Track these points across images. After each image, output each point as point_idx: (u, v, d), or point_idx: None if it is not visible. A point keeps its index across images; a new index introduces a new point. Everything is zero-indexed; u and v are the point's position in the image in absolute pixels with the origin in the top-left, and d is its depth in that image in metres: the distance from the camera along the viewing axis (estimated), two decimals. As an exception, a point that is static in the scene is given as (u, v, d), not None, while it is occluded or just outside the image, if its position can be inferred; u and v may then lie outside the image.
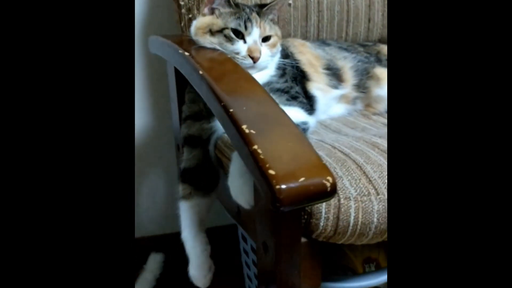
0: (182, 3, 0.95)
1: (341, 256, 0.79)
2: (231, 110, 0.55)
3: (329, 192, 0.47)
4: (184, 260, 0.74)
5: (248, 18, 0.74)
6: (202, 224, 0.74)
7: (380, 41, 1.13)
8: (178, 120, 0.94)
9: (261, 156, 0.48)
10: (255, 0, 0.95)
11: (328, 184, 0.46)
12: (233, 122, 0.54)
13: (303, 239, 0.57)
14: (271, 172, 0.46)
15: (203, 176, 0.77)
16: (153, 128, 1.24)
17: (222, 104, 0.57)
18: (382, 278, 0.64)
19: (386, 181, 0.57)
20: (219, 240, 0.86)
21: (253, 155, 0.49)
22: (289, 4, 1.00)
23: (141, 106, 1.20)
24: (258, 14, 0.77)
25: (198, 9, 0.94)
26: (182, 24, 0.97)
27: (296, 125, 0.54)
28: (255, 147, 0.49)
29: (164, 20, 1.12)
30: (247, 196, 0.58)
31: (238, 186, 0.59)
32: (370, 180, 0.57)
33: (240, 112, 0.55)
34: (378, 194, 0.56)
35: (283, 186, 0.45)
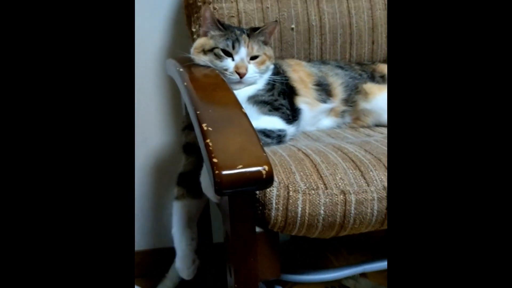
0: (194, 29, 1.07)
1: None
2: (198, 112, 0.64)
3: (265, 180, 0.53)
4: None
5: (237, 39, 0.83)
6: (190, 221, 0.82)
7: (385, 62, 1.18)
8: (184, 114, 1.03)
9: (210, 148, 0.56)
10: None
11: (264, 172, 0.53)
12: (198, 122, 0.62)
13: (260, 229, 0.63)
14: (215, 160, 0.54)
15: (195, 180, 0.85)
16: (174, 146, 1.35)
17: (194, 108, 0.66)
18: (344, 272, 0.67)
19: (338, 178, 0.62)
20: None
21: (206, 147, 0.57)
22: (292, 29, 1.08)
23: (161, 125, 1.31)
24: (249, 35, 0.86)
25: (206, 35, 1.05)
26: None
27: (252, 126, 0.61)
28: (208, 140, 0.57)
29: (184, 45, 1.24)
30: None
31: (207, 181, 0.67)
32: (321, 176, 0.62)
33: (205, 114, 0.64)
34: (326, 188, 0.61)
35: (223, 172, 0.52)
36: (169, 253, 1.41)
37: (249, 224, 0.60)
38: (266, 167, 0.53)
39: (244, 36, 0.85)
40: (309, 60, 1.11)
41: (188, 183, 0.85)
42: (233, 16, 1.03)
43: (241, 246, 0.61)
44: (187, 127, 0.89)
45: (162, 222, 1.43)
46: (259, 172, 0.53)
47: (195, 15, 1.05)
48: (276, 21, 0.98)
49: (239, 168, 0.53)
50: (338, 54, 1.13)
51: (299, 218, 0.60)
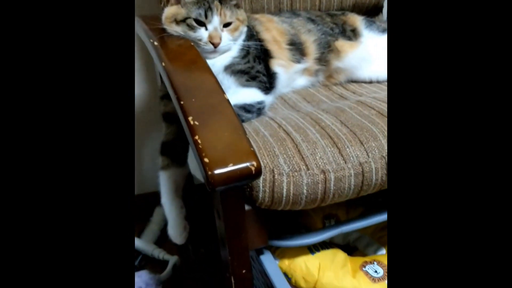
0: (160, -16, 1.02)
1: (302, 215, 0.91)
2: (181, 102, 0.66)
3: (254, 175, 0.58)
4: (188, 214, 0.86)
5: (209, 7, 0.82)
6: (178, 190, 0.87)
7: (355, 6, 1.18)
8: (160, 82, 1.04)
9: (200, 146, 0.59)
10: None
11: (253, 169, 0.57)
12: (183, 113, 0.64)
13: (248, 207, 0.69)
14: (206, 160, 0.57)
15: (179, 149, 0.88)
16: (151, 94, 1.35)
17: (176, 96, 0.67)
18: (323, 235, 0.75)
19: (317, 157, 0.67)
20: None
21: (195, 144, 0.60)
22: (261, -22, 1.05)
23: (140, 76, 1.30)
24: (220, 1, 0.84)
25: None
26: (162, 4, 1.05)
27: (236, 114, 0.64)
28: (196, 137, 0.60)
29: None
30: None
31: (194, 162, 0.70)
32: (302, 157, 0.67)
33: (189, 105, 0.65)
34: (308, 169, 0.66)
35: (215, 172, 0.56)
36: (151, 198, 1.48)
37: (239, 207, 0.66)
38: (255, 163, 0.57)
39: (216, 2, 0.83)
40: (279, 9, 1.10)
41: (171, 153, 0.88)
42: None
43: (233, 225, 0.67)
44: (165, 97, 0.90)
45: (142, 169, 1.47)
46: (248, 168, 0.57)
47: (161, -31, 1.00)
48: None
49: (230, 166, 0.57)
50: (308, 1, 1.12)
51: (284, 198, 0.66)
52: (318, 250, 0.79)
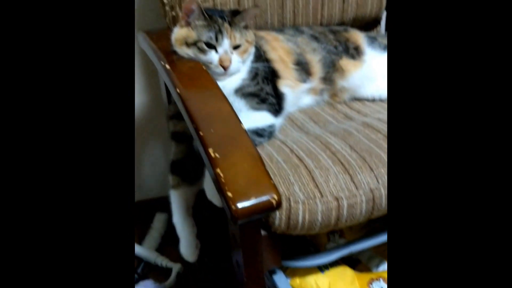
0: (165, 1, 1.03)
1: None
2: (201, 133, 0.68)
3: (275, 207, 0.60)
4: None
5: (220, 30, 0.83)
6: (189, 209, 0.89)
7: (355, 20, 1.20)
8: (166, 100, 1.06)
9: (222, 180, 0.61)
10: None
11: (274, 202, 0.60)
12: (202, 144, 0.66)
13: (264, 232, 0.72)
14: (229, 194, 0.59)
15: (189, 168, 0.91)
16: (151, 104, 1.36)
17: (194, 125, 0.69)
18: (333, 256, 0.79)
19: (331, 184, 0.70)
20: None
21: (217, 177, 0.62)
22: (265, -5, 1.06)
23: (139, 85, 1.31)
24: (230, 23, 0.85)
25: (180, 7, 1.02)
26: (167, 20, 1.05)
27: (254, 145, 0.66)
28: (218, 170, 0.62)
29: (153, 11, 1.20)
30: (219, 197, 0.72)
31: (212, 190, 0.73)
32: (316, 185, 0.70)
33: (208, 135, 0.67)
34: (322, 196, 0.69)
35: (238, 206, 0.58)
36: (151, 204, 1.50)
37: (256, 234, 0.68)
38: (275, 196, 0.60)
39: (226, 25, 0.84)
40: (282, 24, 1.12)
41: (182, 171, 0.90)
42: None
43: (250, 251, 0.69)
44: (175, 116, 0.92)
45: (142, 176, 1.49)
46: (269, 201, 0.60)
47: (167, -14, 1.01)
48: (256, 5, 0.96)
49: (252, 200, 0.59)
50: (310, 16, 1.14)
51: (299, 225, 0.69)
52: (327, 268, 0.82)
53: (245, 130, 0.68)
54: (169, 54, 0.88)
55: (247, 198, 0.59)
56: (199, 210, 1.04)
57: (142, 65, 1.28)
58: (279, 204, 0.60)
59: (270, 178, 0.62)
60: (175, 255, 1.34)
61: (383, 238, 0.81)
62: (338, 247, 0.80)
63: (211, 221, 0.99)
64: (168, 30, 1.03)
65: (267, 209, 0.60)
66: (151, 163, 1.48)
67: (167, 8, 1.03)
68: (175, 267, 1.26)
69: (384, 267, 0.91)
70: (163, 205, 1.48)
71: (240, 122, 0.70)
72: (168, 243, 1.42)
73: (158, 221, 1.46)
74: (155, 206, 1.51)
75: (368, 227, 0.98)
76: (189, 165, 0.91)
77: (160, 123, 1.37)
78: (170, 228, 1.46)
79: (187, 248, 0.87)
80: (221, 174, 0.62)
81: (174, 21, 1.03)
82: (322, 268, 0.82)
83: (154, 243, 1.40)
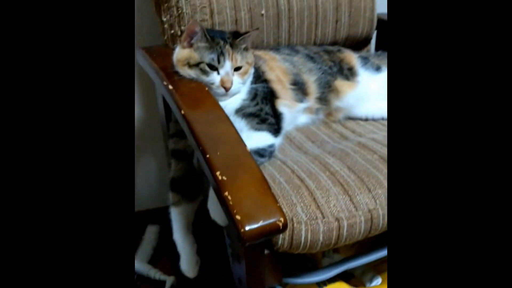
0: (164, 19, 1.05)
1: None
2: (207, 156, 0.70)
3: (282, 229, 0.63)
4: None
5: (222, 52, 0.86)
6: (189, 226, 0.91)
7: (347, 39, 1.24)
8: (164, 116, 1.08)
9: (231, 203, 0.63)
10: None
11: (281, 224, 0.62)
12: (209, 167, 0.68)
13: (267, 251, 0.74)
14: (238, 217, 0.62)
15: (189, 185, 0.92)
16: (144, 117, 1.38)
17: (200, 148, 0.71)
18: (332, 272, 0.82)
19: (331, 205, 0.73)
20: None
21: (225, 200, 0.64)
22: (262, 15, 1.09)
23: (136, 98, 1.32)
24: (231, 45, 0.88)
25: (179, 26, 1.04)
26: (165, 37, 1.07)
27: (260, 170, 0.68)
28: (226, 193, 0.64)
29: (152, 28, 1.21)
30: (223, 217, 0.74)
31: (216, 210, 0.75)
32: (318, 206, 0.73)
33: (215, 158, 0.69)
34: (324, 217, 0.72)
35: (247, 228, 0.61)
36: (143, 216, 1.51)
37: (260, 254, 0.71)
38: (282, 219, 0.62)
39: (228, 47, 0.87)
40: (277, 43, 1.15)
41: (182, 188, 0.92)
42: (204, 7, 1.03)
43: (253, 269, 0.72)
44: (175, 135, 0.94)
45: (136, 188, 1.49)
46: (276, 224, 0.62)
47: (165, 5, 1.03)
48: (257, 28, 0.99)
49: (260, 223, 0.62)
50: (304, 35, 1.17)
51: (302, 244, 0.72)
52: (325, 285, 0.85)
53: (249, 153, 0.71)
54: (171, 74, 0.90)
55: (255, 221, 0.61)
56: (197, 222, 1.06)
57: (137, 79, 1.30)
58: (285, 226, 0.63)
59: (276, 201, 0.64)
60: (168, 268, 1.35)
61: (379, 254, 0.84)
62: (336, 263, 0.83)
63: (207, 235, 1.01)
64: (166, 48, 1.06)
65: (274, 232, 0.63)
66: (143, 175, 1.49)
67: (166, 26, 1.05)
68: (169, 280, 1.27)
69: (377, 281, 0.95)
70: (154, 217, 1.50)
71: (245, 144, 0.72)
72: (161, 255, 1.44)
73: (150, 233, 1.47)
74: (146, 218, 1.52)
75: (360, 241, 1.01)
76: (189, 182, 0.93)
77: (153, 136, 1.39)
78: (162, 240, 1.48)
79: (187, 264, 0.89)
80: (229, 197, 0.64)
81: (173, 39, 1.05)
82: (320, 284, 0.85)
83: (146, 256, 1.41)
